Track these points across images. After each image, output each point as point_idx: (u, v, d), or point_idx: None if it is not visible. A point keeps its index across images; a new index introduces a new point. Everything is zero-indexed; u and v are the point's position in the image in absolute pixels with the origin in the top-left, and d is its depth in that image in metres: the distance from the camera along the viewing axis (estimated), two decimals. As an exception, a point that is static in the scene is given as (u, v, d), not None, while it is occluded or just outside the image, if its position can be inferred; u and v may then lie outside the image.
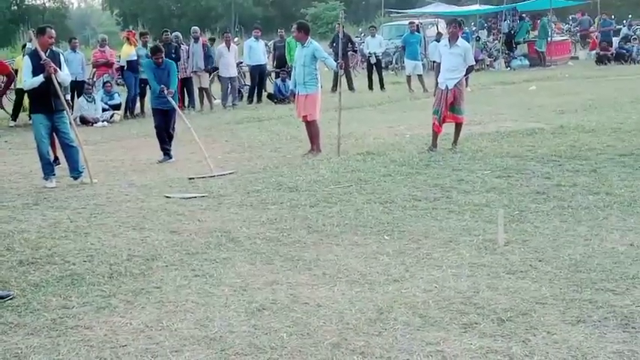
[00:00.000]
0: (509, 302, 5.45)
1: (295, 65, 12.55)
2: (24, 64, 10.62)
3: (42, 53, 10.30)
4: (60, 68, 10.50)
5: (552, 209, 8.07)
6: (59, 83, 10.54)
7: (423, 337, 4.90)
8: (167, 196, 9.47)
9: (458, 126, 12.11)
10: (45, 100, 10.41)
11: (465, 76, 12.25)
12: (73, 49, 20.06)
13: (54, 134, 10.81)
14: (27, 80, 10.44)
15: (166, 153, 12.43)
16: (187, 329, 5.18)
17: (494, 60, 31.81)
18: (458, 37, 12.08)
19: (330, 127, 13.49)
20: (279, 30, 25.61)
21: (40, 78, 10.25)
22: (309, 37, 12.41)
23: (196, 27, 22.04)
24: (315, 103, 12.17)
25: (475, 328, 5.02)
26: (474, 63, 12.64)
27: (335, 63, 12.94)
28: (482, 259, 6.50)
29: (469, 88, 22.26)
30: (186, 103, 20.28)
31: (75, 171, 10.65)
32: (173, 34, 20.97)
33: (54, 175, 10.64)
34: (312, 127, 12.23)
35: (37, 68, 10.27)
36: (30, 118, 14.38)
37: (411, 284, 5.92)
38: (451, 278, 6.02)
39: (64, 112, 10.65)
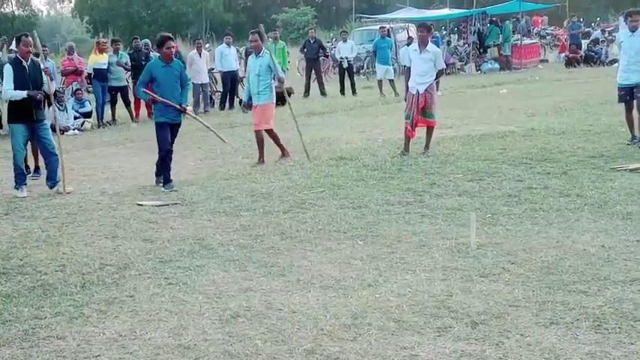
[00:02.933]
0: (483, 305, 5.48)
1: (249, 75, 12.41)
2: (5, 72, 10.35)
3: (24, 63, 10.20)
4: (41, 79, 10.37)
5: (524, 212, 8.13)
6: (46, 94, 10.45)
7: (397, 341, 4.92)
8: (139, 204, 9.42)
9: (429, 130, 12.15)
10: (26, 111, 10.27)
11: (435, 80, 12.28)
12: (45, 56, 19.88)
13: (35, 142, 10.72)
14: (8, 91, 10.23)
15: (168, 180, 10.40)
16: (161, 338, 5.16)
17: (465, 64, 32.00)
18: (428, 42, 12.10)
19: (303, 134, 13.46)
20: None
21: (23, 94, 10.12)
22: (264, 46, 12.25)
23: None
24: (270, 112, 12.10)
25: (449, 331, 5.04)
26: (444, 67, 12.64)
27: (282, 75, 12.83)
28: (455, 262, 6.53)
29: (440, 92, 22.38)
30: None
31: (51, 180, 10.52)
32: (142, 41, 20.89)
33: (25, 184, 10.52)
34: (271, 135, 12.16)
35: (19, 78, 10.13)
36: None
37: (384, 289, 5.94)
38: (425, 282, 6.04)
39: (45, 120, 10.55)
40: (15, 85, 10.15)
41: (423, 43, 12.07)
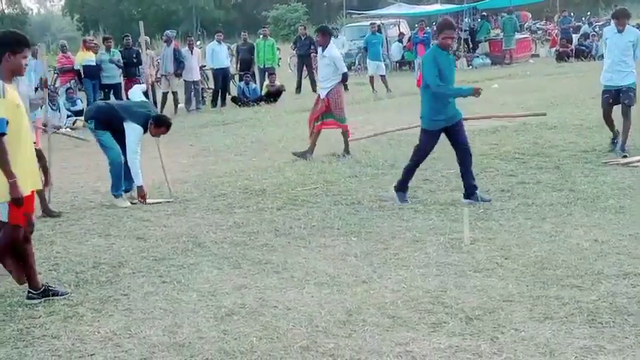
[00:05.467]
0: (477, 300, 5.49)
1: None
2: None
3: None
4: None
5: (517, 207, 8.14)
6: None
7: (392, 337, 4.93)
8: (132, 202, 9.41)
9: (344, 134, 11.99)
10: None
11: (340, 82, 11.95)
12: (34, 55, 19.83)
13: None
14: None
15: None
16: (156, 336, 5.15)
17: (457, 59, 32.01)
18: (327, 45, 11.82)
19: (295, 128, 13.49)
20: (242, 33, 25.58)
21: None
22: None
23: (170, 31, 21.86)
24: None
25: (444, 327, 5.05)
26: (346, 70, 12.10)
27: None
28: (449, 257, 6.54)
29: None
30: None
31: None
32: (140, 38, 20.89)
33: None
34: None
35: None
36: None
37: (379, 285, 5.95)
38: (419, 278, 6.05)
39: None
40: None
41: (322, 46, 11.88)
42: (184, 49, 21.61)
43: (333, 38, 24.24)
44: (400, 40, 32.34)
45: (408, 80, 24.09)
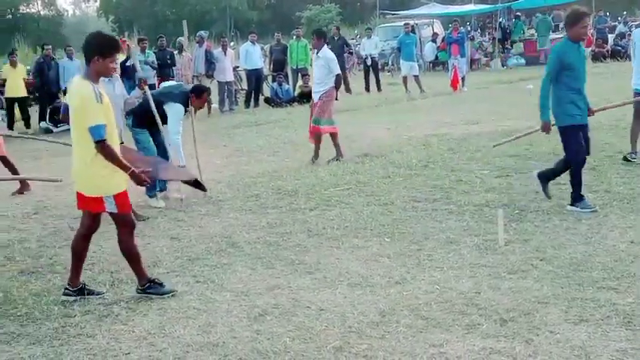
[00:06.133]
0: (512, 302, 5.45)
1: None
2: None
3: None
4: None
5: (552, 208, 8.08)
6: None
7: (425, 339, 4.91)
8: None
9: (332, 137, 11.82)
10: None
11: (334, 87, 11.75)
12: (70, 56, 20.05)
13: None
14: None
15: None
16: (190, 335, 5.18)
17: (490, 59, 31.85)
18: (321, 47, 11.74)
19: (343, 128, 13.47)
20: (275, 33, 25.66)
21: None
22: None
23: (202, 32, 21.99)
24: None
25: (478, 328, 5.02)
26: (340, 72, 11.90)
27: None
28: (483, 259, 6.50)
29: (465, 88, 22.33)
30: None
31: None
32: (178, 39, 21.12)
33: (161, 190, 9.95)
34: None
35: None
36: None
37: (412, 286, 5.93)
38: (452, 279, 6.02)
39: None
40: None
41: (317, 48, 11.79)
42: (217, 50, 21.71)
43: (367, 38, 24.43)
44: (434, 41, 32.27)
45: (442, 81, 24.01)
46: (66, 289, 6.09)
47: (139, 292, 6.06)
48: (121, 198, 5.90)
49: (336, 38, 24.42)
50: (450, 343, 4.82)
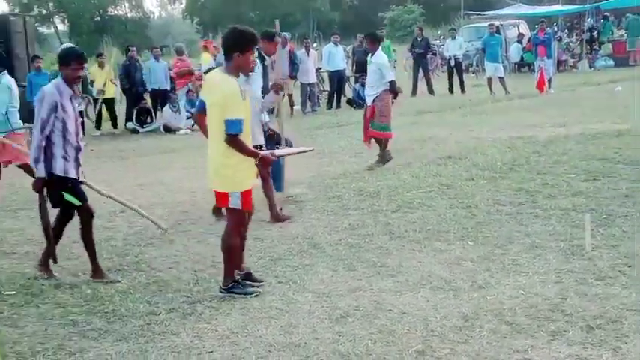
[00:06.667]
0: (599, 309, 5.32)
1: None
2: None
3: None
4: None
5: (641, 213, 7.86)
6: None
7: (510, 344, 4.83)
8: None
9: (381, 142, 11.55)
10: None
11: (388, 91, 11.38)
12: (156, 58, 20.42)
13: None
14: None
15: None
16: (272, 335, 5.21)
17: (578, 61, 31.21)
18: (375, 51, 11.45)
19: (410, 131, 13.42)
20: (358, 35, 25.66)
21: None
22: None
23: (286, 33, 22.16)
24: None
25: (563, 335, 4.92)
26: (394, 79, 11.50)
27: None
28: (569, 264, 6.36)
29: (552, 89, 21.93)
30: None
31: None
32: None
33: None
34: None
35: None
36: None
37: (496, 291, 5.84)
38: (538, 284, 5.91)
39: None
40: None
41: (371, 51, 11.52)
42: (300, 52, 21.82)
43: (451, 39, 24.22)
44: (519, 42, 31.76)
45: (527, 82, 23.63)
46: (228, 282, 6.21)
47: (221, 292, 6.12)
48: (246, 196, 6.00)
49: (419, 39, 24.30)
50: (535, 350, 4.73)
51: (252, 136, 6.29)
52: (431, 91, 23.36)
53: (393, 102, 11.78)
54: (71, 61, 6.56)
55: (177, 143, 16.42)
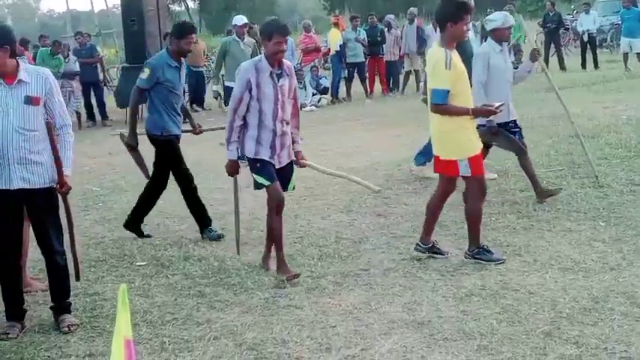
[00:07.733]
0: None
1: None
2: None
3: None
4: None
5: None
6: None
7: (641, 329, 4.65)
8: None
9: None
10: None
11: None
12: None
13: None
14: None
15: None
16: (395, 312, 5.19)
17: None
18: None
19: (540, 108, 13.08)
20: (488, 9, 25.15)
21: None
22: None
23: (413, 8, 21.98)
24: None
25: (700, 321, 4.70)
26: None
27: None
28: None
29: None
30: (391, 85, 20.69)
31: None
32: (387, 16, 21.30)
33: None
34: None
35: None
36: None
37: (628, 273, 5.64)
38: (674, 268, 5.67)
39: None
40: None
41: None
42: (428, 27, 21.56)
43: (584, 14, 23.35)
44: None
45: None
46: (417, 244, 6.38)
47: (467, 257, 6.19)
48: (475, 160, 6.01)
49: (551, 14, 23.57)
50: (670, 336, 4.54)
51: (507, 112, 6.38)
52: (562, 66, 22.67)
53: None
54: (272, 35, 6.01)
55: (302, 120, 16.49)
